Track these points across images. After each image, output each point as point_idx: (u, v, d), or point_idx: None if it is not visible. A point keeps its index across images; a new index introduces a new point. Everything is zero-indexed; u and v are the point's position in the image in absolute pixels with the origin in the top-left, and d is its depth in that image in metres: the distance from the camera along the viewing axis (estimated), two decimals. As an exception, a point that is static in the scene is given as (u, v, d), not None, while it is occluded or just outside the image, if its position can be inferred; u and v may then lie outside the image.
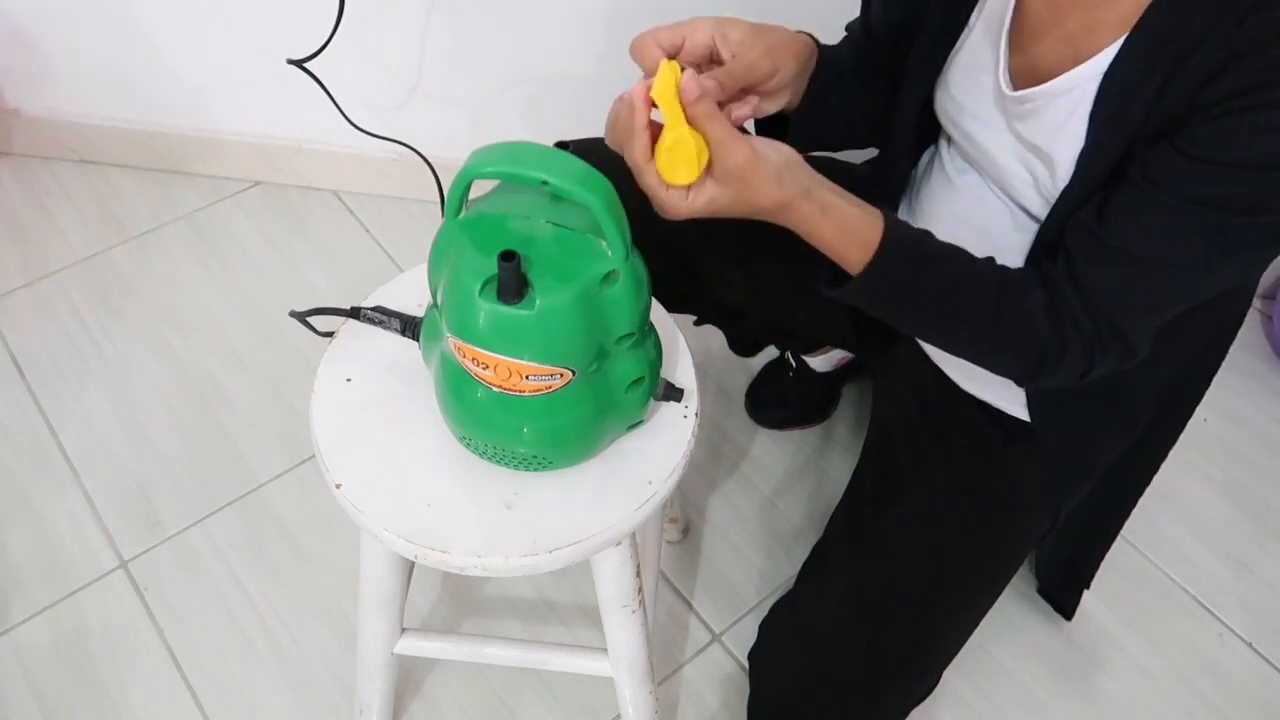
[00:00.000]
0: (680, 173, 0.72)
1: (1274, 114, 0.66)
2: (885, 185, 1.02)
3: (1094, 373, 0.79)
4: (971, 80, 0.85)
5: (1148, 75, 0.71)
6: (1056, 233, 0.80)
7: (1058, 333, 0.77)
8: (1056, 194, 0.79)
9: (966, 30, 0.84)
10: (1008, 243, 0.86)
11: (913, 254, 0.78)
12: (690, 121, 0.71)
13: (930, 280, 0.78)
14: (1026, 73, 0.80)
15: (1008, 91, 0.80)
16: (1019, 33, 0.80)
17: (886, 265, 0.76)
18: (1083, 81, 0.75)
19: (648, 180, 0.73)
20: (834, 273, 0.80)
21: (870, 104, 0.95)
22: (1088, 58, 0.74)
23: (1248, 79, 0.66)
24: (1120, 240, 0.74)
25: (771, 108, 0.87)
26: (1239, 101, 0.67)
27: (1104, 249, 0.75)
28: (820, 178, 0.76)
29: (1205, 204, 0.69)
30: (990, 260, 0.80)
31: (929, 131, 0.94)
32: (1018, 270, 0.80)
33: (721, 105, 0.77)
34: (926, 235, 0.79)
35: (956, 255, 0.79)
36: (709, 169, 0.73)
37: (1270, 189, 0.68)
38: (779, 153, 0.74)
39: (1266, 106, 0.66)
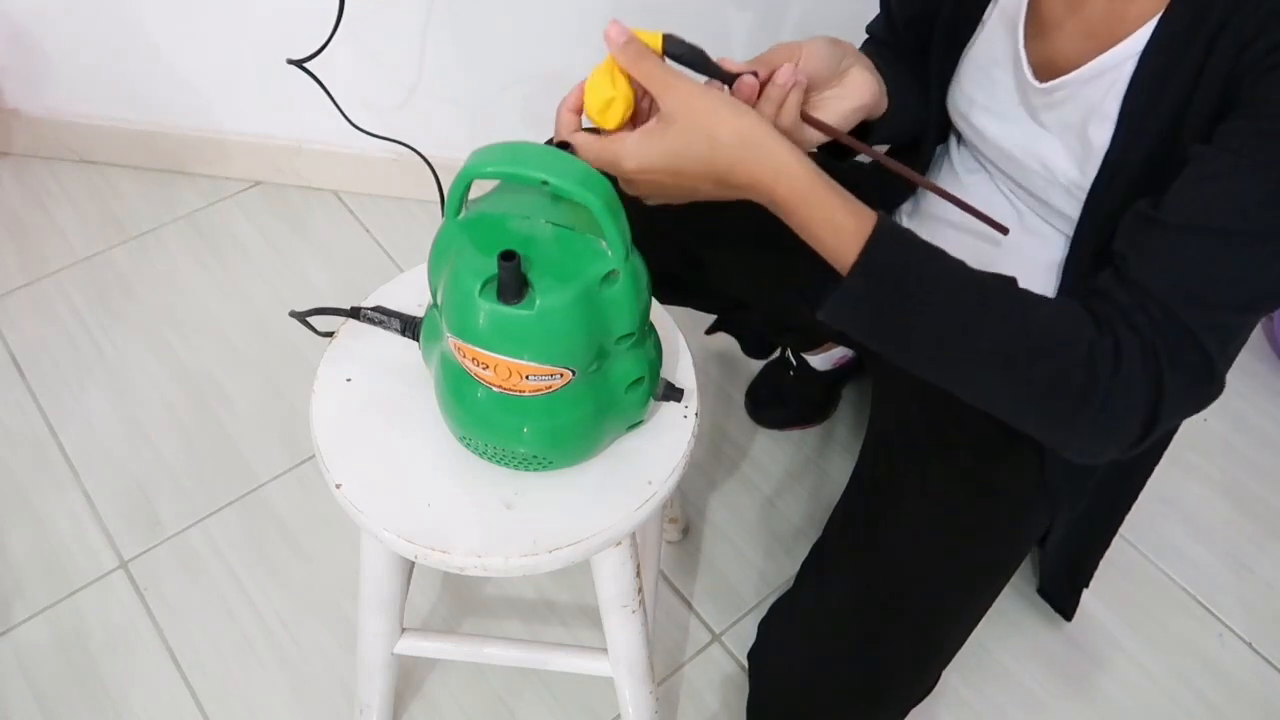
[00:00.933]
0: (608, 111, 0.71)
1: None
2: (890, 186, 1.02)
3: (1165, 399, 0.62)
4: (985, 75, 0.85)
5: (1181, 58, 0.70)
6: (1092, 233, 0.78)
7: (1107, 333, 0.63)
8: (1086, 185, 0.78)
9: (980, 26, 0.85)
10: (1013, 245, 0.86)
11: (910, 240, 0.68)
12: (624, 69, 0.69)
13: (937, 270, 0.66)
14: (1045, 65, 0.80)
15: (1035, 83, 0.79)
16: (1033, 25, 0.80)
17: (881, 250, 0.66)
18: (1116, 64, 0.74)
19: (588, 149, 0.70)
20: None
21: (922, 96, 0.93)
22: (1110, 46, 0.74)
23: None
24: (1182, 215, 0.63)
25: (848, 104, 0.80)
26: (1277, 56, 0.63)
27: (1160, 229, 0.64)
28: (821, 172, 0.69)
29: (1272, 162, 0.62)
30: (1014, 282, 0.70)
31: (938, 131, 0.95)
32: (1051, 299, 0.69)
33: (762, 88, 0.73)
34: (931, 247, 0.70)
35: (964, 269, 0.68)
36: (655, 112, 0.69)
37: None
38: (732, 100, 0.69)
39: None
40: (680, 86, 0.68)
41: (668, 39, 0.71)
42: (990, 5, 0.84)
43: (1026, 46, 0.81)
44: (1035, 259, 0.89)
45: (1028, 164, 0.83)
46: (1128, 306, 0.64)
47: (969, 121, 0.88)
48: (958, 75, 0.87)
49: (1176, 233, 0.64)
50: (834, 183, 0.69)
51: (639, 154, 0.70)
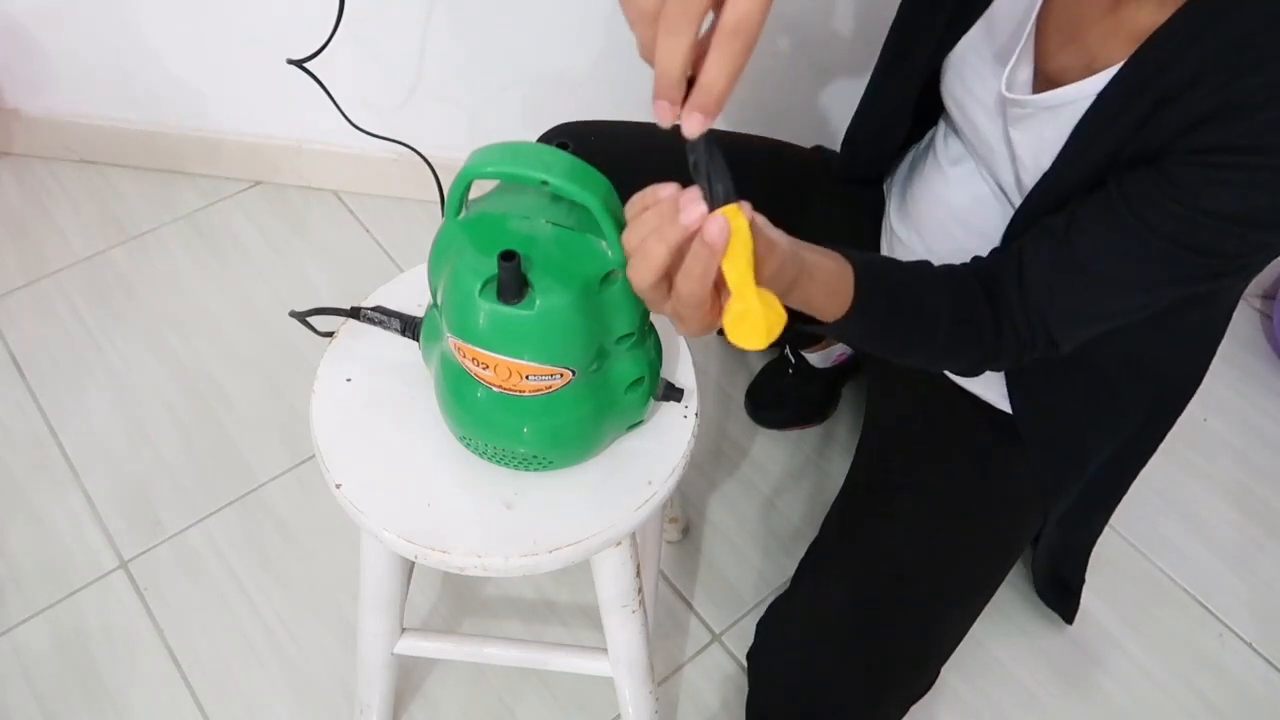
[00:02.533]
0: (750, 339, 0.60)
1: (1264, 175, 0.67)
2: (874, 169, 1.03)
3: (1026, 359, 0.82)
4: (977, 70, 0.85)
5: (1134, 102, 0.72)
6: (1022, 227, 0.81)
7: (999, 339, 0.79)
8: (1029, 189, 0.81)
9: (984, 18, 0.85)
10: (995, 232, 0.86)
11: (880, 295, 0.76)
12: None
13: (892, 322, 0.78)
14: (1041, 76, 0.81)
15: (1005, 93, 0.81)
16: (1044, 37, 0.81)
17: (859, 314, 0.75)
18: (1076, 99, 0.76)
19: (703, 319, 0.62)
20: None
21: None
22: (1095, 73, 0.75)
23: (1244, 138, 0.66)
24: (1081, 252, 0.75)
25: None
26: (1234, 157, 0.67)
27: (1061, 255, 0.76)
28: (800, 242, 0.69)
29: (1174, 240, 0.71)
30: (943, 276, 0.80)
31: (926, 115, 0.95)
32: (966, 279, 0.80)
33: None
34: (888, 268, 0.78)
35: (912, 287, 0.79)
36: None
37: (1237, 241, 0.71)
38: (781, 235, 0.66)
39: (1261, 169, 0.67)
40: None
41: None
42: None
43: (1037, 55, 0.81)
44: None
45: (1004, 155, 0.84)
46: (1018, 316, 0.78)
47: (962, 108, 0.88)
48: (953, 61, 0.87)
49: (1071, 266, 0.76)
50: (807, 246, 0.71)
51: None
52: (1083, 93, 0.75)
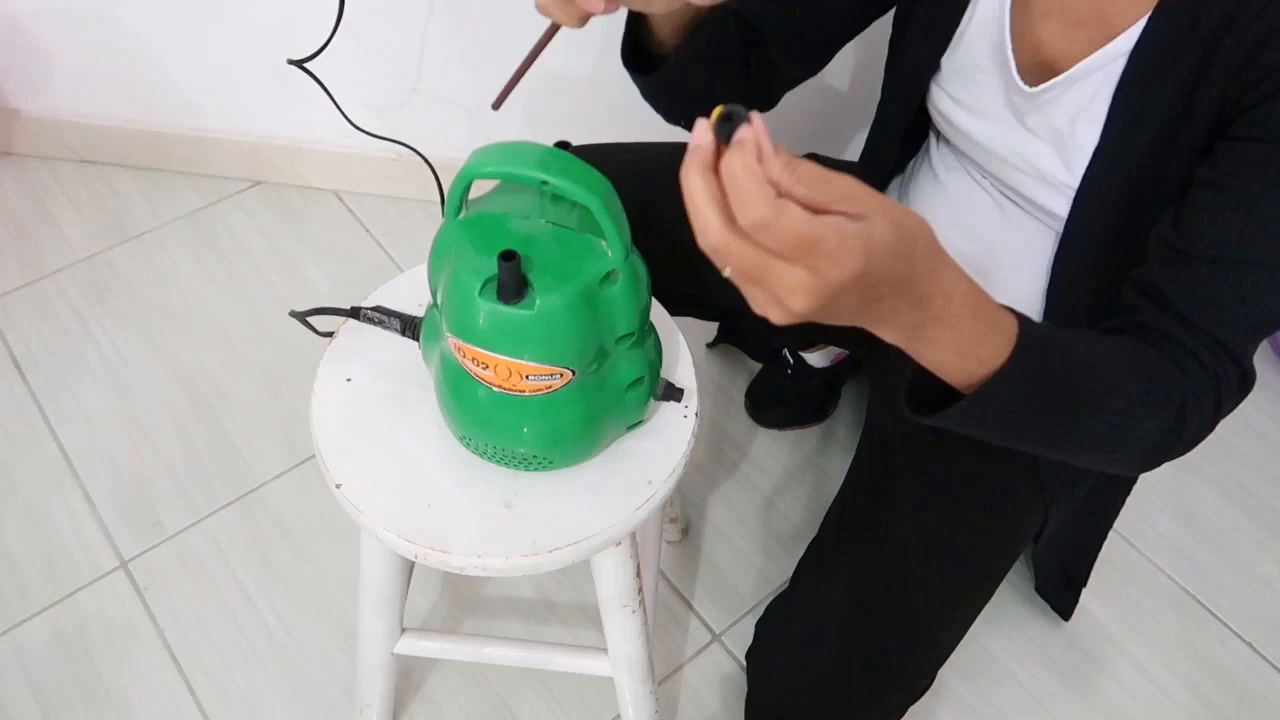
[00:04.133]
0: None
1: None
2: (883, 186, 1.02)
3: (1221, 411, 0.69)
4: (968, 78, 0.84)
5: (1178, 56, 0.69)
6: (1083, 231, 0.78)
7: (1187, 379, 0.67)
8: (1075, 184, 0.77)
9: (963, 28, 0.84)
10: (998, 242, 0.86)
11: (1048, 349, 0.62)
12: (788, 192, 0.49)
13: (1067, 365, 0.62)
14: (1033, 66, 0.79)
15: (1024, 87, 0.79)
16: (1019, 24, 0.80)
17: (1026, 358, 0.59)
18: (1104, 64, 0.73)
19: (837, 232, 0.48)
20: (913, 393, 0.65)
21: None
22: (1103, 43, 0.73)
23: None
24: (1214, 250, 0.67)
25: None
26: None
27: (1196, 265, 0.68)
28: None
29: None
30: (1097, 333, 0.68)
31: (918, 131, 0.94)
32: (1114, 332, 0.70)
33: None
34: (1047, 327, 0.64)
35: (1079, 343, 0.65)
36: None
37: None
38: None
39: None
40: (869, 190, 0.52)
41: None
42: (968, 11, 0.84)
43: (1014, 46, 0.80)
44: (1020, 257, 0.89)
45: (1014, 164, 0.83)
46: (1193, 347, 0.67)
47: (950, 121, 0.87)
48: (940, 79, 0.87)
49: (1214, 266, 0.67)
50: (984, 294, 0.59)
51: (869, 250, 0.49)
52: (1119, 50, 0.72)
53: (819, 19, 0.90)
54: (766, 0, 0.89)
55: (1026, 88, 0.79)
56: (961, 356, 0.58)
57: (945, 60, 0.86)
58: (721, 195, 0.48)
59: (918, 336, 0.57)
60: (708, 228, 0.48)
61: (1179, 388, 0.66)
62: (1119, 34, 0.73)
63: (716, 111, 0.49)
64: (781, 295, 0.49)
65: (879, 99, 0.97)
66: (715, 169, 0.48)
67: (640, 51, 0.86)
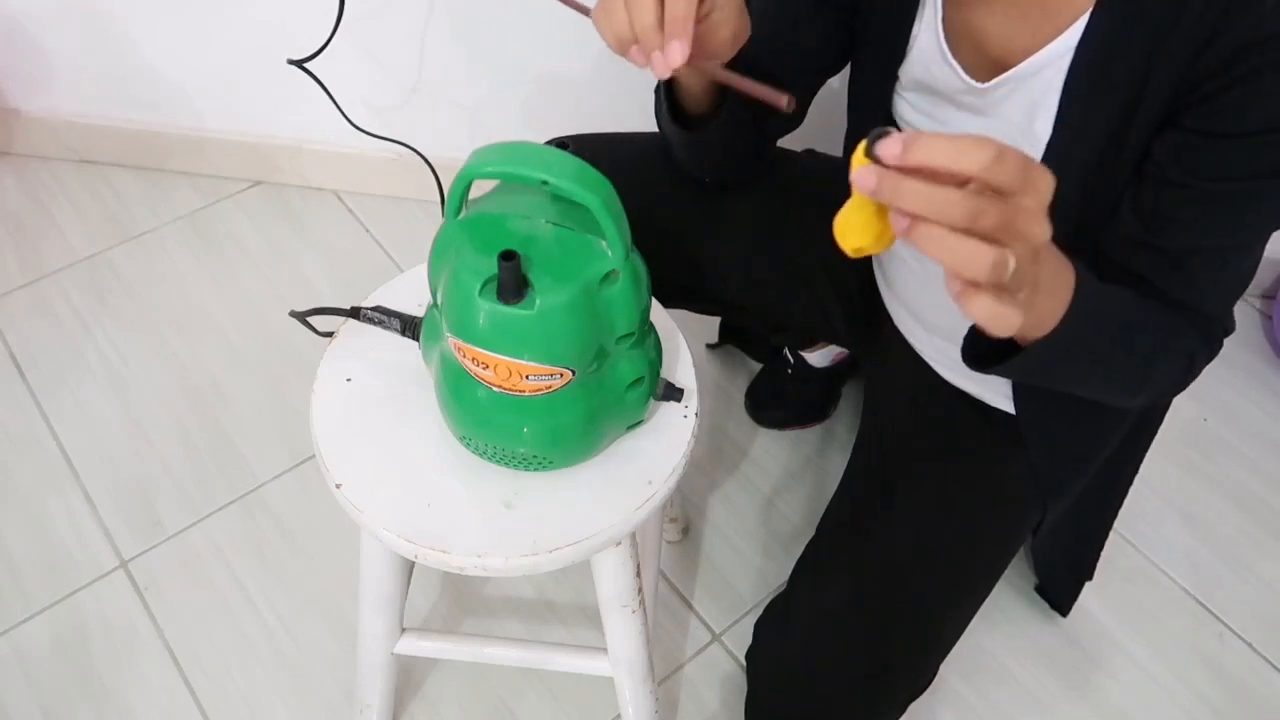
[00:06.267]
0: (848, 236, 0.55)
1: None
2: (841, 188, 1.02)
3: (1200, 368, 0.80)
4: (927, 87, 0.84)
5: (1124, 49, 0.70)
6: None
7: (1193, 343, 0.77)
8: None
9: (910, 40, 0.84)
10: None
11: (1092, 294, 0.66)
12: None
13: (1100, 322, 0.68)
14: (980, 64, 0.78)
15: (975, 84, 0.78)
16: (959, 23, 0.78)
17: (1081, 309, 0.64)
18: (1055, 59, 0.73)
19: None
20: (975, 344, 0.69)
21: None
22: (1051, 35, 0.72)
23: (1243, 40, 0.65)
24: (1187, 244, 0.74)
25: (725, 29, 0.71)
26: (1245, 65, 0.65)
27: (1169, 255, 0.74)
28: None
29: (1244, 178, 0.70)
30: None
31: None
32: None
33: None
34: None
35: (1118, 294, 0.72)
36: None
37: None
38: None
39: (1272, 68, 0.65)
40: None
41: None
42: (916, 23, 0.83)
43: (956, 46, 0.79)
44: None
45: None
46: (1200, 324, 0.77)
47: (915, 129, 0.87)
48: (899, 87, 0.87)
49: (1188, 255, 0.74)
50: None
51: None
52: (1065, 46, 0.72)
53: (800, 68, 0.90)
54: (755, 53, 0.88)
55: (977, 84, 0.78)
56: (1054, 297, 0.62)
57: (902, 72, 0.85)
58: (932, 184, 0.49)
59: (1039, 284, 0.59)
60: (955, 208, 0.49)
61: (1182, 348, 0.76)
62: (1066, 26, 0.72)
63: (862, 145, 0.51)
64: (1027, 228, 0.51)
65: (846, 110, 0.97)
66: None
67: (675, 110, 0.89)
